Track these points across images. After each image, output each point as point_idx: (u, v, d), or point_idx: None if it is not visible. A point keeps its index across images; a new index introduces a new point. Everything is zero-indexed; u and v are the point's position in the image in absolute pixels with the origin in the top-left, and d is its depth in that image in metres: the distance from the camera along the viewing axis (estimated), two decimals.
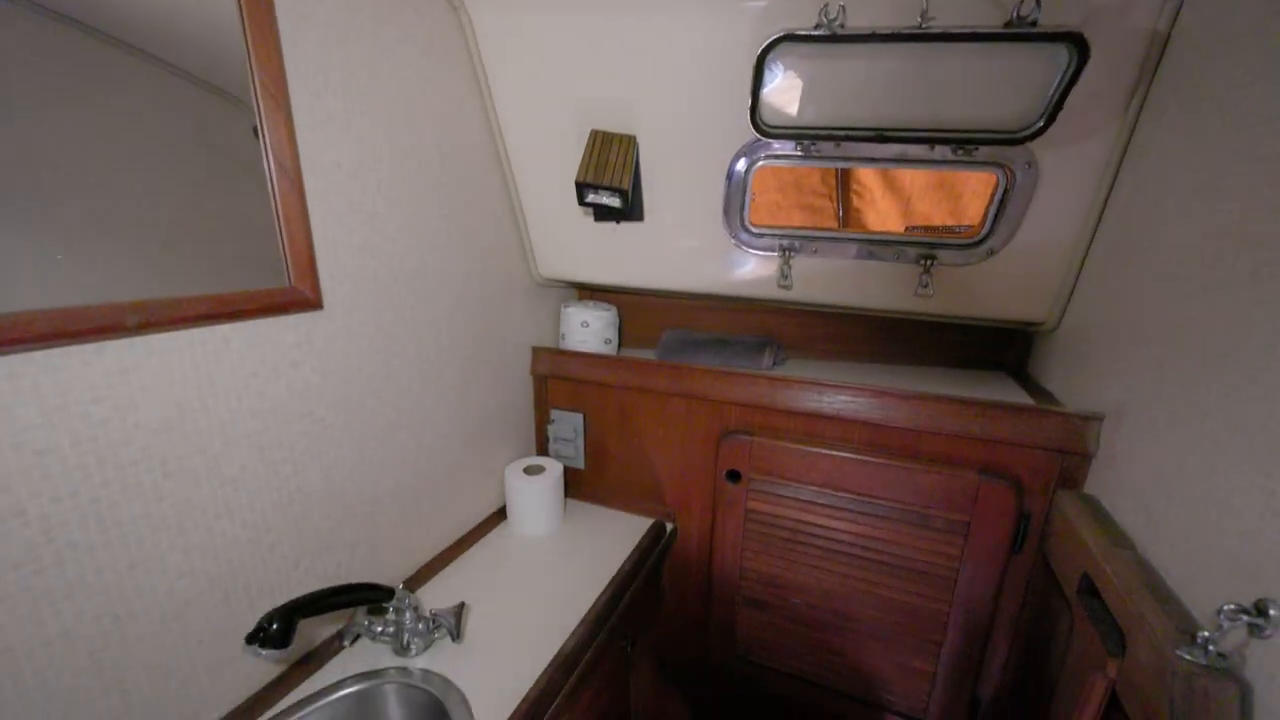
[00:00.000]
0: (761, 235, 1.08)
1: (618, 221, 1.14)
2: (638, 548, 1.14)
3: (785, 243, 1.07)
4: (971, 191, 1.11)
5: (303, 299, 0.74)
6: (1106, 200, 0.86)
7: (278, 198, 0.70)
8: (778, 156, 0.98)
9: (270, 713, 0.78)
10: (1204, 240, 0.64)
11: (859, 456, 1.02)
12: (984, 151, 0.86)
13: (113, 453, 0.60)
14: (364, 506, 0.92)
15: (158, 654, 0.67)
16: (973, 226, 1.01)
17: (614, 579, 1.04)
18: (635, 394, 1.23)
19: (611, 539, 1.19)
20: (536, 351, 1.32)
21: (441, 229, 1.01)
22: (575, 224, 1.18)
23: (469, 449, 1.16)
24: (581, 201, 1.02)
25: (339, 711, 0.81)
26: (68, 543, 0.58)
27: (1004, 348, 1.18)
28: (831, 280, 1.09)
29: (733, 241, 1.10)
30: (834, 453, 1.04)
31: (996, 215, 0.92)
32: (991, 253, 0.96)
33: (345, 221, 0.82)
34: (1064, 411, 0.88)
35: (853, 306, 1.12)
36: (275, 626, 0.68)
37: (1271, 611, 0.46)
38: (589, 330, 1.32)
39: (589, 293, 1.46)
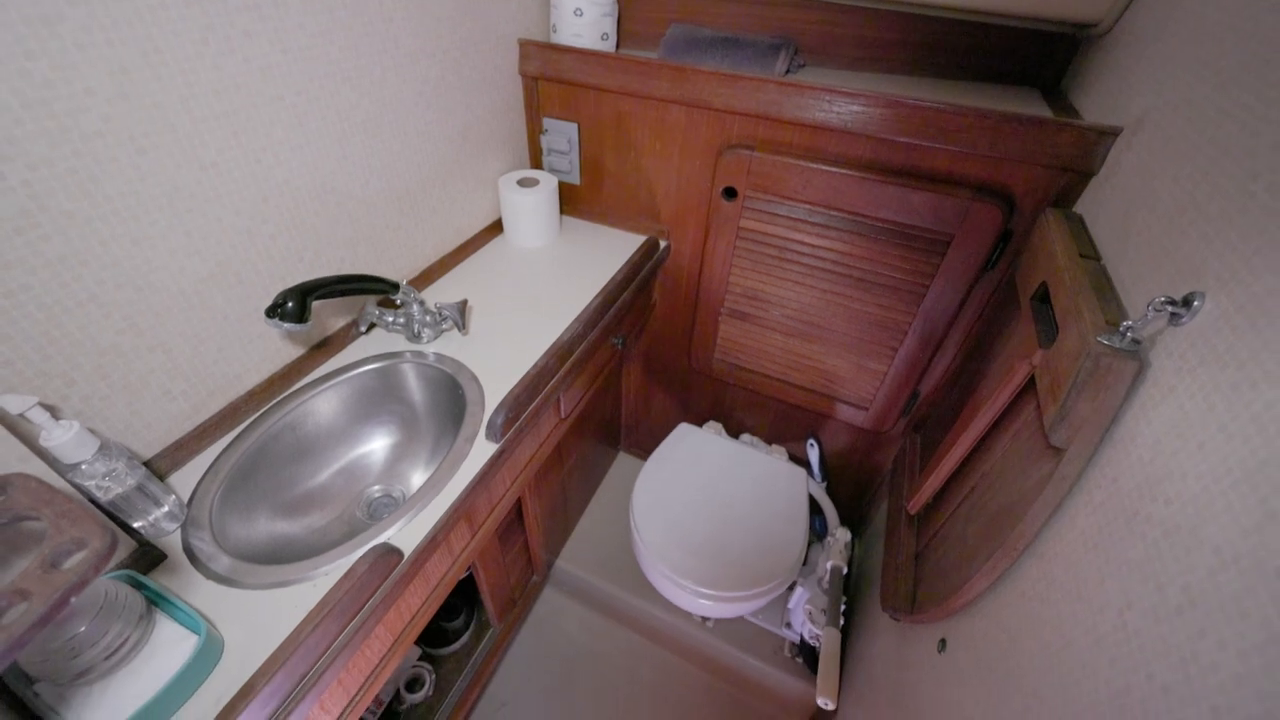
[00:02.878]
0: None
1: None
2: (631, 260, 1.19)
3: None
4: None
5: None
6: None
7: None
8: None
9: (304, 380, 0.91)
10: None
11: (858, 174, 0.98)
12: None
13: (73, 120, 0.57)
14: (357, 206, 0.92)
15: (188, 324, 0.74)
16: None
17: (607, 285, 1.11)
18: (633, 101, 1.12)
19: (606, 253, 1.22)
20: (524, 45, 1.15)
21: None
22: None
23: (458, 155, 1.10)
24: None
25: (366, 383, 0.95)
26: (62, 212, 0.58)
27: (1043, 61, 1.03)
28: None
29: None
30: (834, 169, 0.99)
31: None
32: None
33: None
34: (1082, 125, 0.81)
35: None
36: (290, 304, 0.74)
37: (1195, 303, 0.50)
38: (583, 21, 1.13)
39: None
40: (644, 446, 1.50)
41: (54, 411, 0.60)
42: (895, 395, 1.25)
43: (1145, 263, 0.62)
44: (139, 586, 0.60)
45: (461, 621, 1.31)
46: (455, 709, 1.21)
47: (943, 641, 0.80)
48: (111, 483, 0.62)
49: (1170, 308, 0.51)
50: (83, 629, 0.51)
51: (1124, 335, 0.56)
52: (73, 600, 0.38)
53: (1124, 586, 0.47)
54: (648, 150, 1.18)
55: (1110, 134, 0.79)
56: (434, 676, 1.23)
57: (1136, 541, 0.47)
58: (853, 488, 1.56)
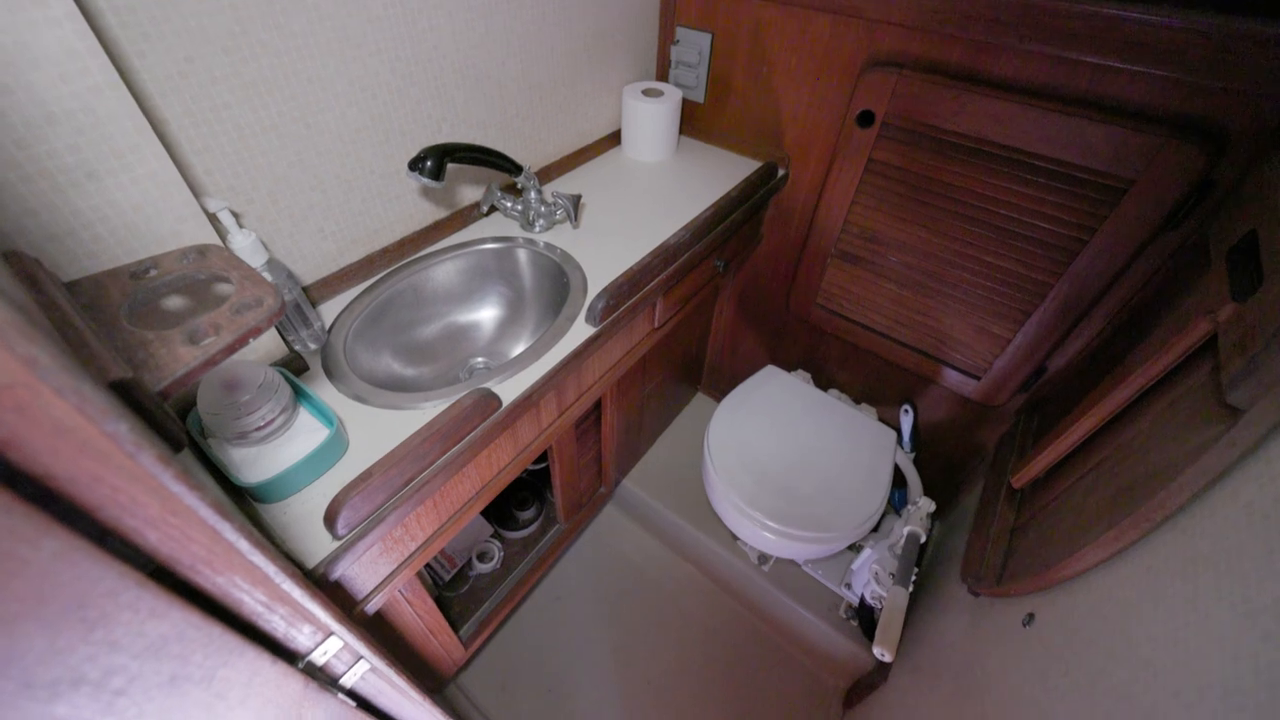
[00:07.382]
0: None
1: None
2: (748, 179, 1.15)
3: None
4: None
5: None
6: None
7: None
8: None
9: (430, 249, 0.98)
10: None
11: (1027, 101, 0.87)
12: None
13: None
14: (492, 87, 0.96)
15: (343, 169, 0.81)
16: None
17: (719, 200, 1.09)
18: (776, 8, 1.06)
19: (722, 175, 1.20)
20: None
21: None
22: None
23: (588, 54, 1.11)
24: None
25: (484, 260, 1.00)
26: (258, 41, 0.66)
27: None
28: None
29: None
30: (996, 95, 0.89)
31: None
32: None
33: None
34: None
35: None
36: (430, 161, 0.79)
37: None
38: None
39: None
40: (722, 391, 1.49)
41: (239, 219, 0.69)
42: (1017, 367, 1.14)
43: None
44: (288, 383, 0.69)
45: (532, 513, 1.40)
46: (516, 587, 1.30)
47: (1030, 615, 0.74)
48: None
49: None
50: (247, 397, 0.60)
51: None
52: (251, 341, 0.44)
53: None
54: (781, 67, 1.12)
55: None
56: (503, 554, 1.33)
57: None
58: (943, 464, 1.46)
